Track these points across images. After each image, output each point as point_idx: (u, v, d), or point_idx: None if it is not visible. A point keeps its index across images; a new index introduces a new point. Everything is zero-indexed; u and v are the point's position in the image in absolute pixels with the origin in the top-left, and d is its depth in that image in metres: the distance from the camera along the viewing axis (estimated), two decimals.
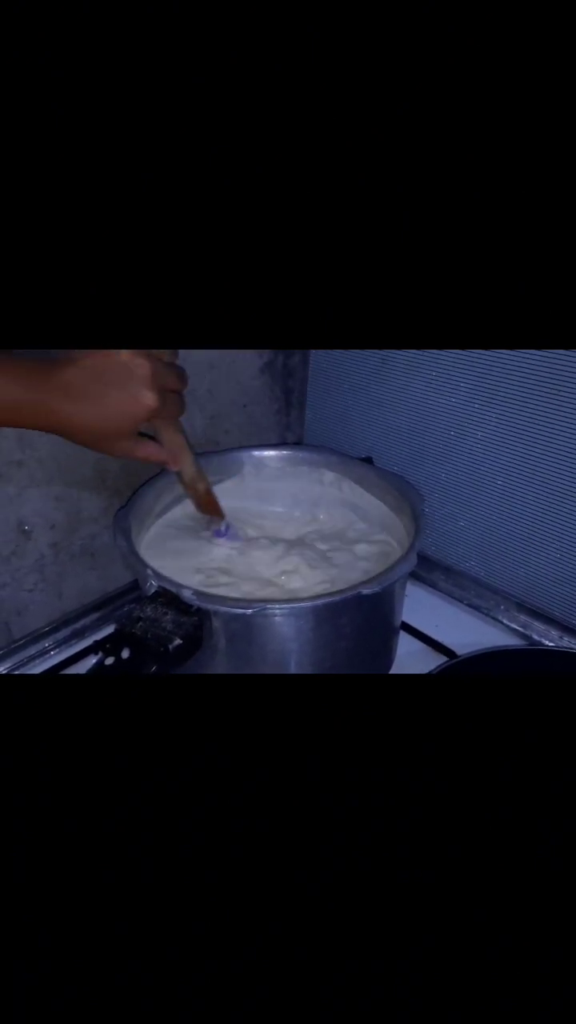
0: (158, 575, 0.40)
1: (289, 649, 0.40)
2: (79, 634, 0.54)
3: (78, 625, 0.54)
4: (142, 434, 0.38)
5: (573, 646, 0.50)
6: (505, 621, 0.54)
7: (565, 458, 0.48)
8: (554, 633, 0.52)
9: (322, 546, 0.50)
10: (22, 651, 0.51)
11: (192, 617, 0.37)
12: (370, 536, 0.51)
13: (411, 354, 0.54)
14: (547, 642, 0.51)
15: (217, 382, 0.60)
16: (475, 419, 0.52)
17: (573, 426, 0.47)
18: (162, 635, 0.36)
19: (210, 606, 0.38)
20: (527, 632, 0.52)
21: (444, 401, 0.53)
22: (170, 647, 0.36)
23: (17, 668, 0.51)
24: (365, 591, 0.38)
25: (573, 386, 0.46)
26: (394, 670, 0.48)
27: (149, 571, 0.40)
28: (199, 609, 0.38)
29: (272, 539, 0.50)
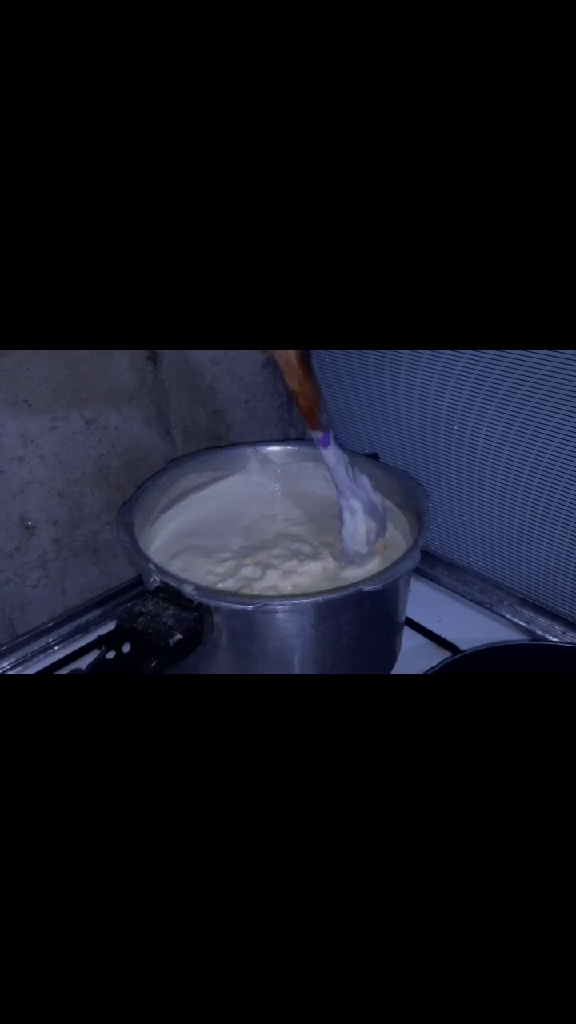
0: (160, 570, 0.40)
1: (291, 646, 0.40)
2: (82, 630, 0.54)
3: (81, 621, 0.54)
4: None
5: None
6: (509, 616, 0.53)
7: (569, 453, 0.47)
8: (558, 628, 0.51)
9: (328, 543, 0.50)
10: (25, 647, 0.52)
11: (193, 612, 0.37)
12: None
13: (413, 350, 0.54)
14: (551, 637, 0.51)
15: (219, 378, 0.60)
16: (478, 414, 0.52)
17: None
18: (163, 630, 0.36)
19: (211, 601, 0.38)
20: (531, 627, 0.52)
21: (447, 396, 0.53)
22: (170, 642, 0.36)
23: (20, 664, 0.51)
24: (367, 588, 0.38)
25: None
26: (397, 666, 0.48)
27: (152, 566, 0.40)
28: (200, 604, 0.38)
29: (277, 533, 0.50)
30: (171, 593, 0.38)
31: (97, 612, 0.55)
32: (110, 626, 0.53)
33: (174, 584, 0.38)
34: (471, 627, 0.52)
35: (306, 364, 0.41)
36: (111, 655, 0.36)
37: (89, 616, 0.55)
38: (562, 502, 0.49)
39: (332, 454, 0.45)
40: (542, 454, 0.49)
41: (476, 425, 0.52)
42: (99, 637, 0.52)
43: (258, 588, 0.45)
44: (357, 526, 0.46)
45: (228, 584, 0.45)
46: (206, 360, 0.58)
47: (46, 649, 0.52)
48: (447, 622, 0.52)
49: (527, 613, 0.53)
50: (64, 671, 0.49)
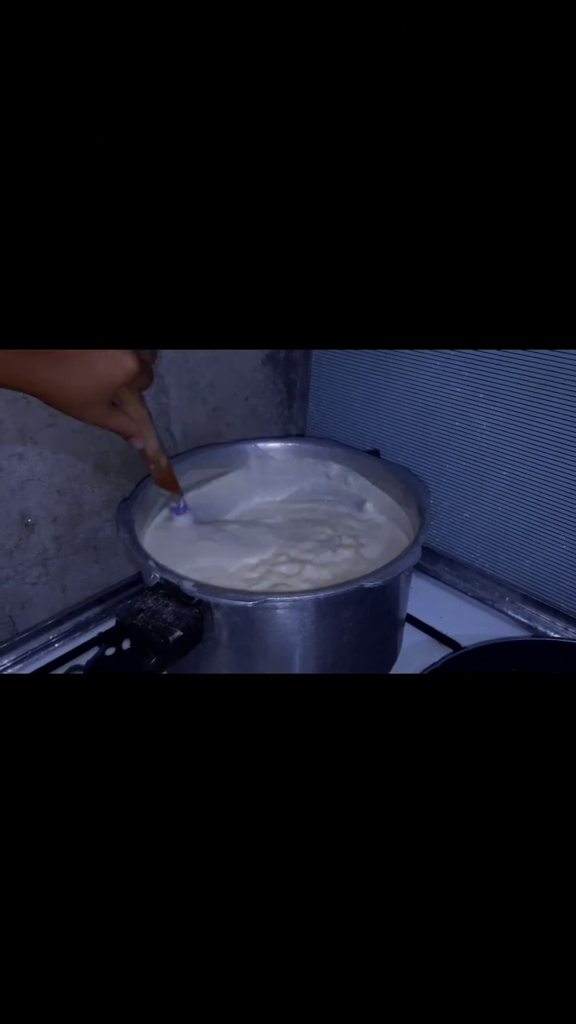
0: (160, 567, 0.40)
1: (292, 642, 0.40)
2: (82, 627, 0.54)
3: (81, 618, 0.54)
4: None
5: None
6: (510, 613, 0.53)
7: (571, 449, 0.47)
8: (559, 625, 0.51)
9: (327, 536, 0.50)
10: (26, 644, 0.52)
11: (193, 609, 0.37)
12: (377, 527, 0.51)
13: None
14: (552, 634, 0.51)
15: (219, 374, 0.59)
16: (480, 410, 0.51)
17: None
18: (163, 627, 0.36)
19: (211, 598, 0.37)
20: (532, 624, 0.52)
21: (448, 391, 0.53)
22: (170, 639, 0.36)
23: (21, 661, 0.51)
24: (367, 584, 0.38)
25: None
26: (398, 662, 0.48)
27: (151, 563, 0.40)
28: (200, 601, 0.38)
29: (277, 531, 0.50)
30: (171, 590, 0.38)
31: (97, 609, 0.55)
32: (110, 623, 0.53)
33: (174, 581, 0.38)
34: (472, 623, 0.52)
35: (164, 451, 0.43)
36: (111, 652, 0.35)
37: (89, 613, 0.55)
38: (564, 498, 0.49)
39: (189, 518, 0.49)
40: (544, 450, 0.49)
41: (478, 421, 0.52)
42: (99, 634, 0.52)
43: (261, 585, 0.45)
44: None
45: (229, 580, 0.45)
46: (206, 357, 0.58)
47: (46, 646, 0.52)
48: (448, 618, 0.52)
49: (529, 609, 0.53)
50: (64, 668, 0.49)
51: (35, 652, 0.52)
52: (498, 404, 0.50)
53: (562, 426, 0.47)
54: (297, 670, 0.41)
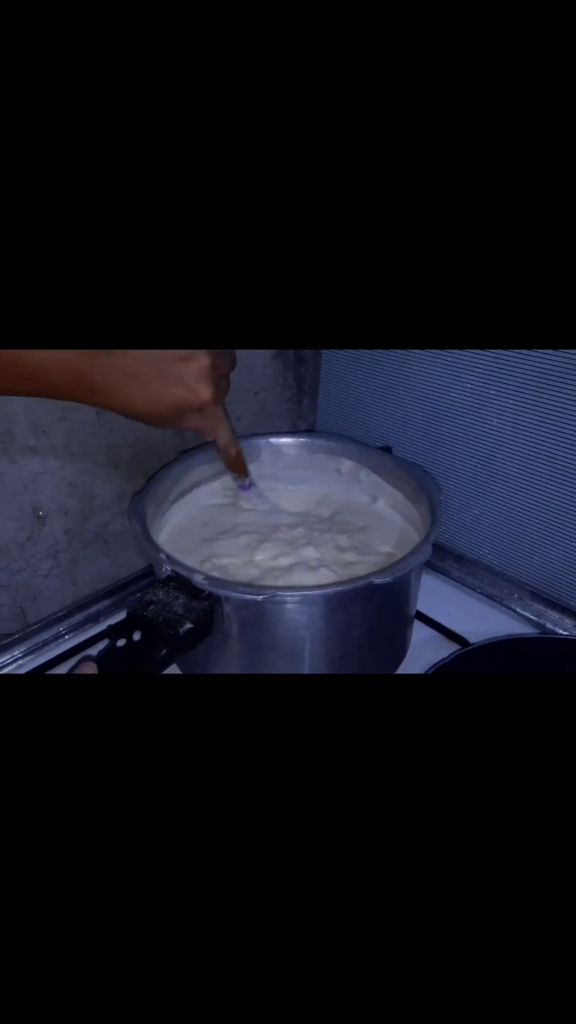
0: (171, 559, 0.40)
1: (301, 637, 0.40)
2: (93, 619, 0.54)
3: (92, 611, 0.55)
4: None
5: None
6: (519, 610, 0.53)
7: None
8: (568, 622, 0.51)
9: (340, 536, 0.50)
10: (36, 636, 0.52)
11: (203, 602, 0.38)
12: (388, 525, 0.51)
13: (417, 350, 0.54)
14: (561, 631, 0.51)
15: None
16: (491, 407, 0.51)
17: None
18: (173, 619, 0.36)
19: (221, 591, 0.38)
20: (541, 621, 0.52)
21: (459, 387, 0.53)
22: (181, 631, 0.36)
23: (31, 652, 0.51)
24: (377, 580, 0.38)
25: None
26: (407, 659, 0.48)
27: (162, 555, 0.40)
28: (210, 594, 0.38)
29: (290, 525, 0.50)
30: (182, 582, 0.38)
31: (107, 602, 0.55)
32: (120, 616, 0.53)
33: (185, 573, 0.38)
34: (481, 620, 0.52)
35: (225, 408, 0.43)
36: (121, 643, 0.36)
37: (99, 606, 0.55)
38: (574, 496, 0.49)
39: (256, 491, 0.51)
40: (555, 447, 0.49)
41: (488, 417, 0.52)
42: (110, 626, 0.52)
43: (269, 580, 0.45)
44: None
45: (243, 575, 0.45)
46: None
47: (57, 638, 0.52)
48: (457, 615, 0.52)
49: (537, 607, 0.53)
50: (75, 659, 0.50)
51: (45, 644, 0.52)
52: (509, 401, 0.50)
53: (572, 424, 0.47)
54: (306, 665, 0.41)
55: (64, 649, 0.51)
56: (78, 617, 0.54)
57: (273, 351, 0.63)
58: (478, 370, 0.51)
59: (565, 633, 0.51)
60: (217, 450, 0.46)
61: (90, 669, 0.33)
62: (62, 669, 0.49)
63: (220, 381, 0.39)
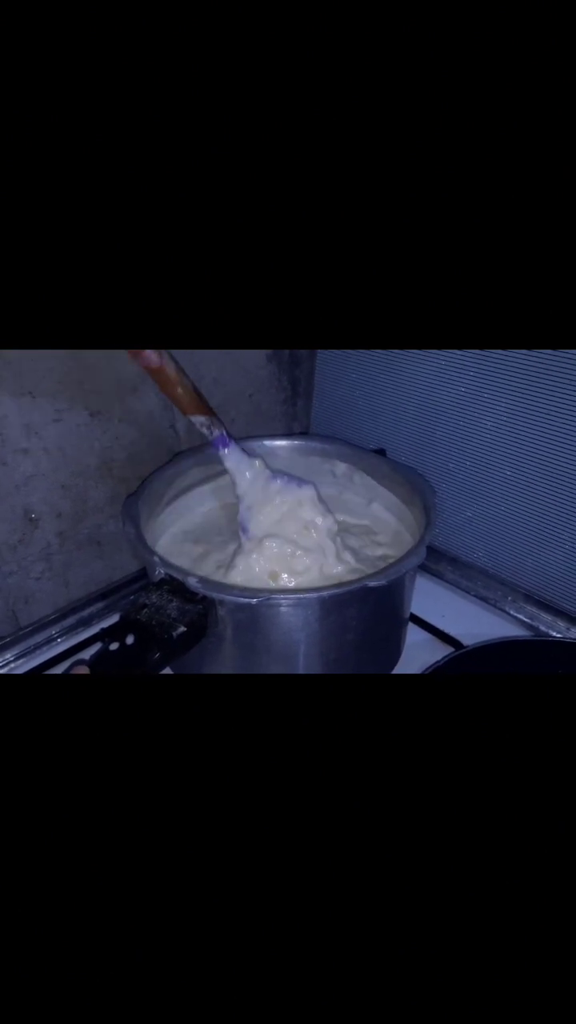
0: (165, 562, 0.40)
1: (295, 640, 0.40)
2: (85, 622, 0.54)
3: (84, 613, 0.54)
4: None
5: None
6: (512, 612, 0.53)
7: (574, 449, 0.47)
8: (561, 624, 0.51)
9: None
10: (29, 639, 0.52)
11: (197, 605, 0.37)
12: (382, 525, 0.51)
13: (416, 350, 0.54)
14: (554, 633, 0.51)
15: (223, 371, 0.59)
16: (484, 408, 0.51)
17: None
18: (167, 622, 0.36)
19: (215, 594, 0.38)
20: (534, 623, 0.52)
21: (452, 390, 0.53)
22: (174, 634, 0.36)
23: (23, 656, 0.51)
24: (371, 583, 0.38)
25: None
26: (401, 661, 0.48)
27: (156, 558, 0.40)
28: (204, 597, 0.38)
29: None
30: (175, 585, 0.38)
31: (100, 605, 0.55)
32: (113, 619, 0.53)
33: (178, 576, 0.38)
34: (475, 623, 0.52)
35: (174, 363, 0.37)
36: (115, 646, 0.35)
37: (92, 608, 0.55)
38: (567, 498, 0.49)
39: (234, 457, 0.39)
40: (548, 450, 0.49)
41: (482, 420, 0.52)
42: (102, 629, 0.52)
43: (264, 582, 0.45)
44: (251, 565, 0.41)
45: (234, 577, 0.45)
46: (209, 353, 0.58)
47: (49, 641, 0.52)
48: (451, 617, 0.52)
49: (531, 609, 0.53)
50: (68, 662, 0.49)
51: (38, 647, 0.52)
52: (502, 403, 0.50)
53: (566, 426, 0.47)
54: (300, 667, 0.41)
55: (57, 652, 0.51)
56: (71, 620, 0.54)
57: (268, 353, 0.63)
58: (471, 373, 0.51)
59: (559, 635, 0.51)
60: (164, 390, 0.38)
61: (83, 672, 0.33)
62: (55, 672, 0.49)
63: None
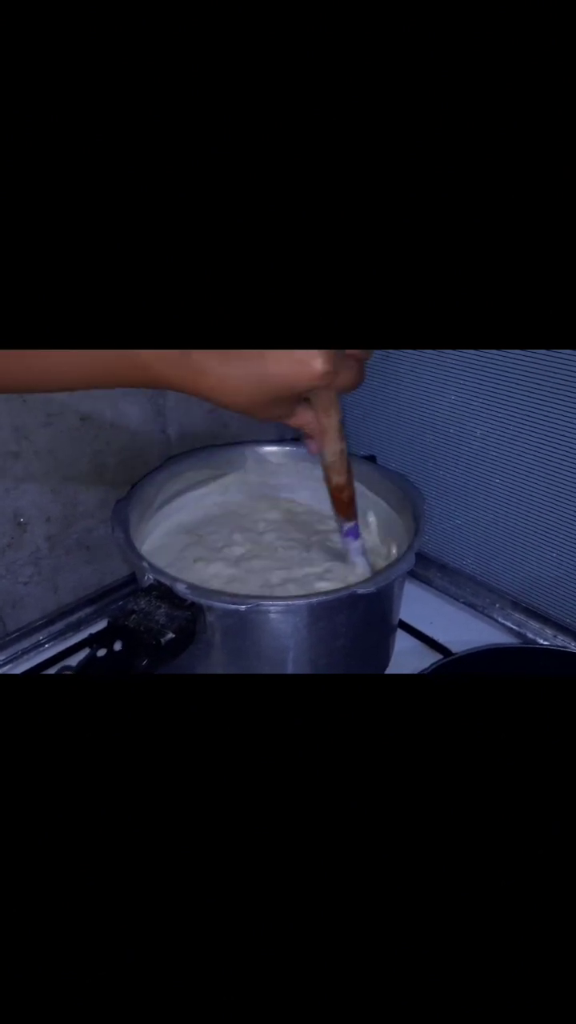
0: (153, 568, 0.40)
1: (284, 646, 0.40)
2: (74, 627, 0.54)
3: (73, 618, 0.54)
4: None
5: (567, 645, 0.50)
6: (500, 619, 0.54)
7: (564, 458, 0.48)
8: (548, 632, 0.52)
9: (325, 545, 0.50)
10: (16, 644, 0.51)
11: (186, 611, 0.37)
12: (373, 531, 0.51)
13: (411, 350, 0.54)
14: (542, 641, 0.51)
15: None
16: (475, 417, 0.52)
17: (572, 426, 0.47)
18: (155, 628, 0.36)
19: (204, 601, 0.38)
20: (522, 631, 0.52)
21: (443, 398, 0.53)
22: (162, 641, 0.36)
23: (11, 661, 0.51)
24: (360, 591, 0.38)
25: (573, 385, 0.46)
26: (390, 668, 0.48)
27: (145, 564, 0.40)
28: (193, 603, 0.38)
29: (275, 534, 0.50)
30: (164, 591, 0.38)
31: (89, 610, 0.55)
32: (102, 624, 0.53)
33: (167, 582, 0.38)
34: (463, 629, 0.53)
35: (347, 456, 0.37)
36: (102, 653, 0.35)
37: (81, 614, 0.54)
38: (556, 507, 0.49)
39: (359, 547, 0.44)
40: (537, 458, 0.49)
41: (473, 428, 0.52)
42: (91, 635, 0.52)
43: (254, 588, 0.45)
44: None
45: (224, 584, 0.45)
46: None
47: (37, 647, 0.52)
48: (439, 624, 0.52)
49: (518, 616, 0.53)
50: (54, 669, 0.49)
51: (26, 652, 0.51)
52: (492, 411, 0.50)
53: (555, 435, 0.48)
54: (290, 673, 0.41)
55: (45, 658, 0.50)
56: (59, 625, 0.53)
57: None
58: (462, 381, 0.52)
59: (546, 643, 0.51)
60: (323, 466, 0.38)
61: None
62: None
63: (343, 361, 0.31)
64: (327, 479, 0.39)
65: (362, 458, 0.53)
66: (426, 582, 0.57)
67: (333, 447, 0.37)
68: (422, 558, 0.57)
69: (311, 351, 0.30)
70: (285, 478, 0.55)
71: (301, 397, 0.33)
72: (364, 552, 0.45)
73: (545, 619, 0.52)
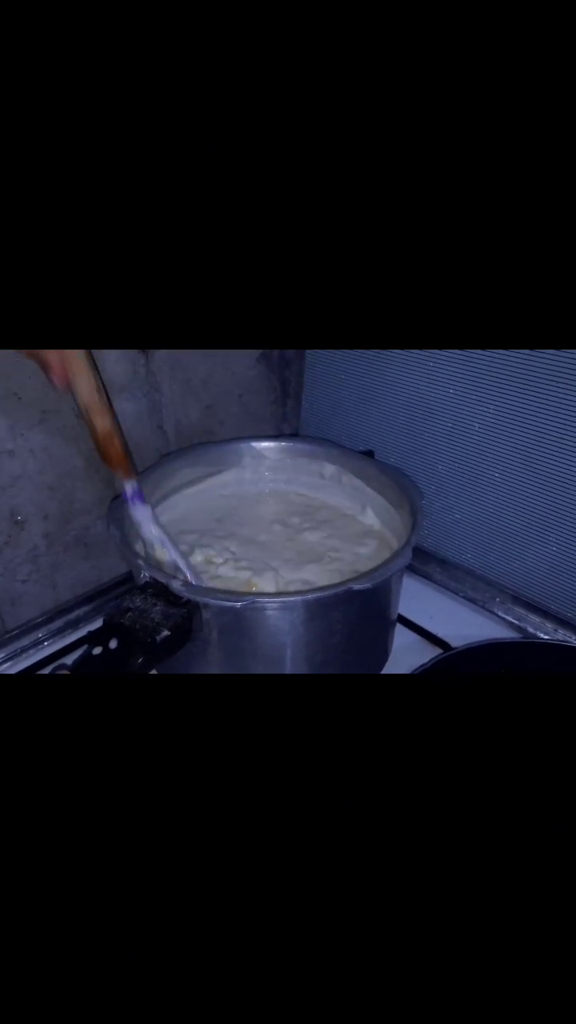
0: (149, 565, 0.39)
1: (281, 643, 0.40)
2: (73, 625, 0.54)
3: (72, 616, 0.54)
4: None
5: (568, 639, 0.50)
6: (500, 614, 0.53)
7: (562, 452, 0.47)
8: (549, 626, 0.51)
9: (322, 540, 0.50)
10: (15, 642, 0.51)
11: (181, 609, 0.37)
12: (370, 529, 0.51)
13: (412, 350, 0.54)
14: (542, 635, 0.51)
15: (213, 372, 0.59)
16: (473, 411, 0.51)
17: (571, 420, 0.46)
18: (151, 626, 0.36)
19: (200, 598, 0.37)
20: (522, 625, 0.52)
21: (442, 393, 0.53)
22: (158, 638, 0.36)
23: (10, 658, 0.51)
24: (356, 587, 0.38)
25: (571, 379, 0.45)
26: (389, 663, 0.48)
27: (140, 561, 0.40)
28: (189, 601, 0.37)
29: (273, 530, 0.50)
30: (160, 589, 0.38)
31: (88, 607, 0.55)
32: (101, 621, 0.53)
33: (163, 580, 0.38)
34: (463, 624, 0.52)
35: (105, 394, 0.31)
36: (98, 651, 0.35)
37: (80, 611, 0.54)
38: (555, 500, 0.49)
39: (141, 511, 0.38)
40: (536, 452, 0.49)
41: (471, 422, 0.52)
42: (87, 633, 0.52)
43: (250, 584, 0.45)
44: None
45: (220, 580, 0.45)
46: (199, 354, 0.58)
47: (36, 644, 0.52)
48: (439, 619, 0.52)
49: (518, 610, 0.53)
50: (52, 666, 0.49)
51: (24, 650, 0.51)
52: (490, 405, 0.50)
53: (553, 428, 0.47)
54: (287, 670, 0.41)
55: (44, 655, 0.50)
56: (58, 623, 0.53)
57: (258, 354, 0.62)
58: (460, 375, 0.51)
59: (546, 637, 0.51)
60: (80, 408, 0.31)
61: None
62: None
63: None
64: (89, 427, 0.32)
65: (360, 453, 0.53)
66: (426, 577, 0.57)
67: (84, 381, 0.29)
68: (421, 553, 0.57)
69: None
70: (282, 474, 0.55)
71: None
72: (156, 521, 0.38)
73: (545, 613, 0.52)
